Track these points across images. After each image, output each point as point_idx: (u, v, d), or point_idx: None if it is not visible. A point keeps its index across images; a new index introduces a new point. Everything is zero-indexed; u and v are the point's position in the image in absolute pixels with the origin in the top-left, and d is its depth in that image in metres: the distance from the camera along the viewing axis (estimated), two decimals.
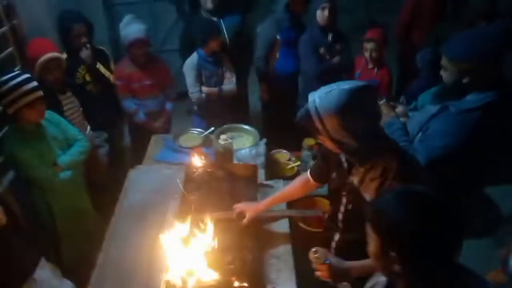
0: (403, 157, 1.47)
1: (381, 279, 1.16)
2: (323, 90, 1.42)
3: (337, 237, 1.72)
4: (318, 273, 1.55)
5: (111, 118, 3.03)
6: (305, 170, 2.67)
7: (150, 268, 1.88)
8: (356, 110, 1.36)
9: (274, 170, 2.64)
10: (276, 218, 2.09)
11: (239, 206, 1.96)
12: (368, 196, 1.49)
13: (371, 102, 1.43)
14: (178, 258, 1.64)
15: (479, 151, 1.68)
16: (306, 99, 1.47)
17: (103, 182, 2.75)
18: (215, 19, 3.11)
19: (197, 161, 2.23)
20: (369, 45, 2.90)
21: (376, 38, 2.89)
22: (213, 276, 1.60)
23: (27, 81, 1.98)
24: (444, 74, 1.72)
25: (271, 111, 3.54)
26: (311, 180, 1.89)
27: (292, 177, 2.67)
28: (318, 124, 1.41)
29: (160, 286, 1.74)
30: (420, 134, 1.83)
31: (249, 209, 1.94)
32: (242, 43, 3.28)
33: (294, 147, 2.83)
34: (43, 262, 2.04)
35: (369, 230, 1.06)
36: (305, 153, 2.74)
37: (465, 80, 1.65)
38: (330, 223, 1.77)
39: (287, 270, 1.82)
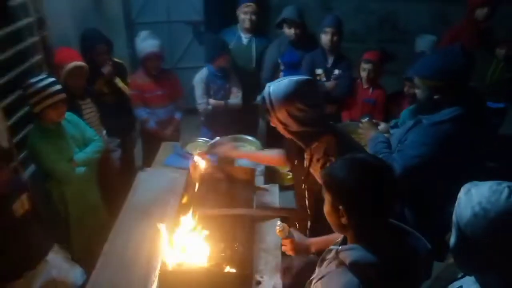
0: (341, 138, 1.72)
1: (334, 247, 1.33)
2: (277, 80, 1.71)
3: (309, 224, 1.90)
4: (283, 247, 1.77)
5: (124, 126, 3.28)
6: None
7: (151, 256, 2.06)
8: (300, 99, 1.62)
9: (273, 179, 2.81)
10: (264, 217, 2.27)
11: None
12: (316, 175, 1.70)
13: (313, 93, 1.69)
14: (175, 244, 1.82)
15: (450, 159, 1.84)
16: None
17: (114, 183, 2.95)
18: (248, 37, 3.39)
19: (199, 162, 2.43)
20: (366, 66, 3.10)
21: (373, 59, 3.10)
22: (205, 261, 1.78)
23: (52, 84, 2.23)
24: (417, 92, 1.92)
25: (275, 129, 3.72)
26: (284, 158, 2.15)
27: (290, 187, 2.85)
28: (270, 110, 1.68)
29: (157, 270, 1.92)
30: (398, 145, 2.01)
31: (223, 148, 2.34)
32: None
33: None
34: (56, 248, 2.24)
35: (324, 191, 1.28)
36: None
37: (436, 96, 1.84)
38: (302, 210, 1.95)
39: (274, 263, 1.99)
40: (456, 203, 1.19)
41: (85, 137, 2.50)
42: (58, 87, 2.25)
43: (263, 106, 1.72)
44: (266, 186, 2.55)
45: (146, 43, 3.09)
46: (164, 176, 2.73)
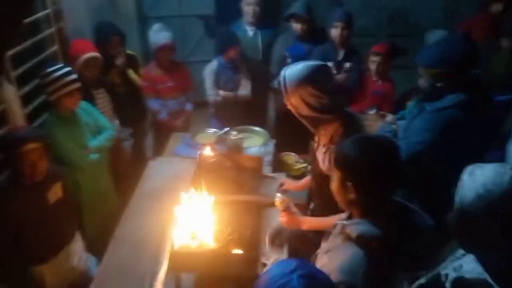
0: (348, 129, 1.76)
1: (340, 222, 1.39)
2: (294, 64, 1.78)
3: (312, 205, 1.95)
4: (280, 218, 1.89)
5: (136, 117, 3.35)
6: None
7: (160, 239, 2.14)
8: (312, 84, 1.69)
9: (280, 169, 2.86)
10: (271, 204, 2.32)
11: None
12: (320, 160, 1.75)
13: (326, 79, 1.75)
14: (186, 225, 1.89)
15: (454, 146, 1.87)
16: None
17: (126, 171, 3.04)
18: (253, 29, 3.45)
19: (208, 151, 2.49)
20: (375, 58, 3.13)
21: (382, 52, 3.12)
22: (214, 242, 1.84)
23: (68, 73, 2.31)
24: (421, 80, 1.95)
25: (283, 120, 3.77)
26: None
27: (298, 177, 2.90)
28: (284, 92, 1.76)
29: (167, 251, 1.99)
30: (403, 134, 2.05)
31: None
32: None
33: (302, 150, 3.06)
34: (77, 236, 2.34)
35: (333, 169, 1.34)
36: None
37: (439, 84, 1.87)
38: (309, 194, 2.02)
39: (281, 246, 2.05)
40: (459, 184, 1.24)
41: (98, 125, 2.58)
42: (74, 76, 2.33)
43: (280, 90, 1.80)
44: (273, 174, 2.60)
45: (159, 35, 3.17)
46: (174, 165, 2.81)
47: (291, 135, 3.40)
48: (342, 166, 1.31)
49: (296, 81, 1.71)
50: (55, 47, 2.76)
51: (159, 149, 3.20)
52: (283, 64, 3.45)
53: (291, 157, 3.04)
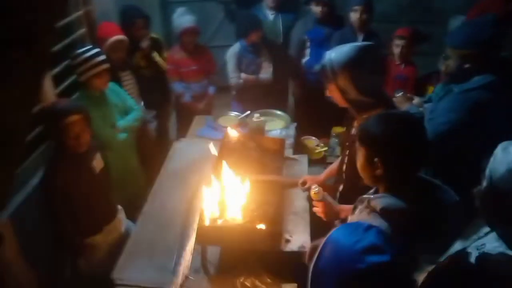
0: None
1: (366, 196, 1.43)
2: (339, 47, 1.74)
3: (341, 187, 1.98)
4: (314, 209, 1.87)
5: (160, 99, 3.43)
6: (332, 156, 2.95)
7: (187, 215, 2.22)
8: (362, 65, 1.67)
9: (302, 152, 2.91)
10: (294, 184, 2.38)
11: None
12: None
13: (376, 60, 1.74)
14: (214, 201, 1.95)
15: (482, 128, 1.87)
16: None
17: (150, 152, 3.13)
18: (274, 13, 3.48)
19: (232, 132, 2.55)
20: (400, 42, 3.12)
21: (406, 35, 3.11)
22: (239, 218, 1.91)
23: (98, 54, 2.39)
24: (448, 62, 1.95)
25: (302, 104, 3.81)
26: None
27: (319, 161, 2.94)
28: (330, 76, 1.73)
29: (193, 228, 2.07)
30: (429, 115, 2.06)
31: (310, 178, 2.29)
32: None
33: (323, 134, 3.09)
34: (119, 206, 2.45)
35: (358, 147, 1.37)
36: (333, 140, 3.00)
37: (466, 65, 1.88)
38: (339, 175, 2.04)
39: (303, 224, 2.10)
40: (492, 158, 1.26)
41: (126, 105, 2.66)
42: (103, 57, 2.40)
43: (324, 74, 1.77)
44: (295, 156, 2.65)
45: (183, 18, 3.22)
46: (198, 146, 2.88)
47: (311, 119, 3.45)
48: (368, 142, 1.34)
49: (347, 62, 1.68)
50: (83, 30, 2.83)
51: (182, 131, 3.28)
52: (302, 47, 3.48)
53: (311, 141, 3.08)
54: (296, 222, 2.11)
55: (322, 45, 3.33)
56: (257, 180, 2.26)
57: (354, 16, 3.16)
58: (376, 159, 1.31)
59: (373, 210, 1.33)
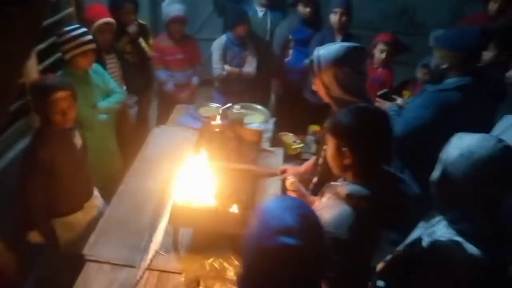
0: None
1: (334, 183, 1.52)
2: (328, 44, 1.85)
3: (315, 179, 2.08)
4: None
5: (143, 85, 3.45)
6: (308, 152, 3.04)
7: (161, 197, 2.26)
8: (347, 64, 1.78)
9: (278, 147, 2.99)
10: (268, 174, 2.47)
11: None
12: None
13: (360, 61, 1.85)
14: (188, 184, 2.01)
15: (452, 128, 1.99)
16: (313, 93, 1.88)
17: (129, 137, 3.15)
18: (263, 10, 3.56)
19: (211, 121, 2.61)
20: (384, 47, 3.25)
21: (390, 41, 3.25)
22: (213, 202, 1.97)
23: (84, 34, 2.41)
24: (432, 61, 2.10)
25: (283, 102, 3.90)
26: None
27: (294, 157, 3.03)
28: (316, 71, 1.82)
29: (166, 210, 2.12)
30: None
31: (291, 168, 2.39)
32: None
33: (300, 131, 3.18)
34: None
35: (328, 137, 1.46)
36: (309, 138, 3.09)
37: (444, 66, 2.01)
38: (314, 169, 2.14)
39: None
40: (447, 144, 1.35)
41: (108, 88, 2.68)
42: (90, 37, 2.42)
43: (310, 70, 1.86)
44: (272, 148, 2.73)
45: (172, 7, 3.27)
46: (177, 133, 2.93)
47: (290, 116, 3.54)
48: (338, 132, 1.44)
49: (333, 60, 1.78)
50: (70, 9, 2.84)
51: (162, 119, 3.32)
52: (286, 47, 3.57)
53: (289, 137, 3.16)
54: None
55: (305, 45, 3.43)
56: (232, 168, 2.34)
57: (334, 18, 3.27)
58: (344, 149, 1.40)
59: (339, 197, 1.42)
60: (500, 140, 1.27)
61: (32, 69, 2.43)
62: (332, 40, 3.36)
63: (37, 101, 2.03)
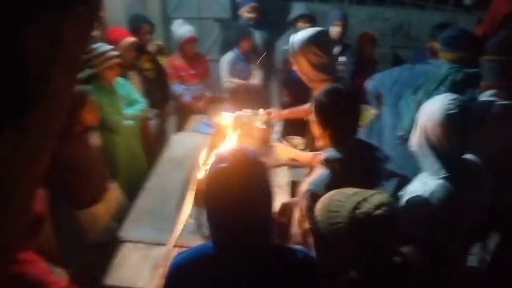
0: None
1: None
2: (299, 32, 2.20)
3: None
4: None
5: (161, 99, 3.77)
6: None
7: (182, 191, 2.52)
8: (316, 44, 2.11)
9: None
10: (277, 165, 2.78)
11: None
12: None
13: (327, 42, 2.22)
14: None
15: None
16: None
17: (151, 146, 3.45)
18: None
19: (223, 122, 2.90)
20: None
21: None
22: None
23: (110, 50, 2.76)
24: None
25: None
26: None
27: None
28: (292, 54, 2.18)
29: (188, 202, 2.37)
30: None
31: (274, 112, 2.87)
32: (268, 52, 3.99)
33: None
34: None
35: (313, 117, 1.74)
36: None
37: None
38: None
39: (285, 194, 2.44)
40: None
41: (132, 98, 3.01)
42: (116, 53, 2.77)
43: (289, 55, 2.22)
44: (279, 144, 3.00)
45: (184, 29, 3.62)
46: (193, 138, 3.25)
47: (297, 124, 3.80)
48: (316, 109, 1.71)
49: (303, 41, 2.14)
50: (97, 32, 3.22)
51: (181, 128, 3.62)
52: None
53: (297, 140, 3.42)
54: (279, 193, 2.45)
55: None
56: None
57: (334, 30, 3.61)
58: (321, 122, 1.68)
59: (320, 162, 1.69)
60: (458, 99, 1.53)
61: None
62: None
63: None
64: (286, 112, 2.85)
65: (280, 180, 2.60)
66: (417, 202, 1.55)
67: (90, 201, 2.46)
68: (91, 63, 2.74)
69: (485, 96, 2.07)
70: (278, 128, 3.35)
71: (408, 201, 1.60)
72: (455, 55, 2.18)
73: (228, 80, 3.73)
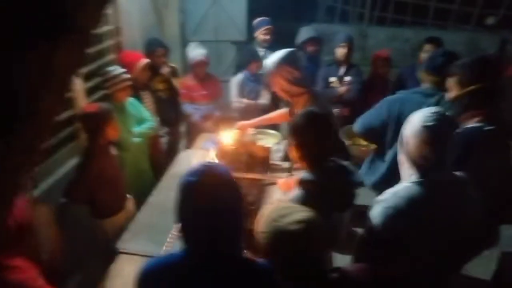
0: (317, 100, 2.34)
1: None
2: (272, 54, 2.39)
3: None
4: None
5: (173, 118, 3.97)
6: None
7: None
8: (289, 63, 2.29)
9: None
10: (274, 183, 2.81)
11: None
12: None
13: (298, 59, 2.40)
14: None
15: None
16: None
17: (160, 162, 3.63)
18: (263, 51, 4.06)
19: (226, 140, 3.04)
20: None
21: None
22: None
23: (123, 73, 2.98)
24: None
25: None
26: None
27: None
28: (268, 77, 2.39)
29: None
30: None
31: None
32: None
33: None
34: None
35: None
36: None
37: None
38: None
39: None
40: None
41: (142, 117, 3.21)
42: (128, 75, 2.99)
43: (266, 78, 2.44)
44: (279, 162, 3.10)
45: (196, 52, 3.83)
46: (200, 154, 3.37)
47: None
48: (291, 132, 1.82)
49: (277, 63, 2.35)
50: (113, 56, 3.47)
51: (190, 145, 3.79)
52: None
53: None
54: None
55: (312, 81, 3.88)
56: (243, 177, 2.73)
57: (340, 51, 3.73)
58: (296, 144, 1.78)
59: (296, 184, 1.79)
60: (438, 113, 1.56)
61: (82, 101, 3.01)
62: (336, 72, 3.82)
63: (91, 123, 2.52)
64: (258, 120, 3.07)
65: (275, 197, 2.68)
66: (385, 203, 1.59)
67: (115, 210, 2.66)
68: (105, 84, 2.97)
69: (472, 123, 2.07)
70: (282, 146, 3.44)
71: (377, 203, 1.66)
72: (441, 78, 2.22)
73: (237, 101, 3.88)
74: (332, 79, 3.86)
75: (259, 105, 3.89)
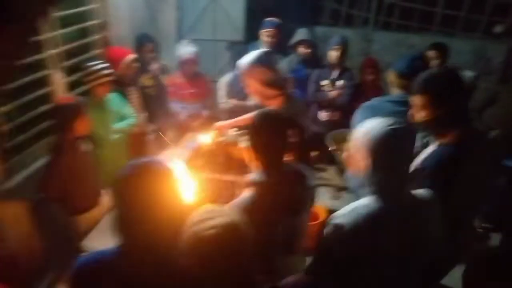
0: (292, 102, 2.32)
1: None
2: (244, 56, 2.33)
3: None
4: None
5: (161, 115, 3.92)
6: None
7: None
8: (261, 64, 2.24)
9: None
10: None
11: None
12: None
13: (271, 60, 2.34)
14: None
15: None
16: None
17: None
18: None
19: (203, 140, 2.98)
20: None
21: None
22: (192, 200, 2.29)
23: (104, 68, 2.94)
24: None
25: None
26: None
27: None
28: (243, 78, 2.34)
29: None
30: None
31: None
32: None
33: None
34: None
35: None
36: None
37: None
38: None
39: None
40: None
41: (124, 113, 3.18)
42: (107, 71, 2.94)
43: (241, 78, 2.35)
44: None
45: (185, 49, 3.79)
46: (181, 154, 3.32)
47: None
48: (248, 133, 1.76)
49: (249, 64, 2.30)
50: (99, 50, 3.44)
51: (175, 145, 3.73)
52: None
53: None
54: None
55: (304, 83, 3.81)
56: (215, 179, 2.68)
57: (333, 54, 3.64)
58: (249, 146, 1.72)
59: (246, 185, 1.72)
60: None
61: (60, 95, 2.99)
62: (328, 75, 3.73)
63: (59, 117, 2.49)
64: (234, 121, 2.97)
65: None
66: (341, 220, 1.51)
67: (88, 206, 2.62)
68: (85, 79, 2.94)
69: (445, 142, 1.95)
70: None
71: (333, 220, 1.57)
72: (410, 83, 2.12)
73: (225, 101, 3.82)
74: (324, 82, 3.77)
75: (248, 106, 3.82)
